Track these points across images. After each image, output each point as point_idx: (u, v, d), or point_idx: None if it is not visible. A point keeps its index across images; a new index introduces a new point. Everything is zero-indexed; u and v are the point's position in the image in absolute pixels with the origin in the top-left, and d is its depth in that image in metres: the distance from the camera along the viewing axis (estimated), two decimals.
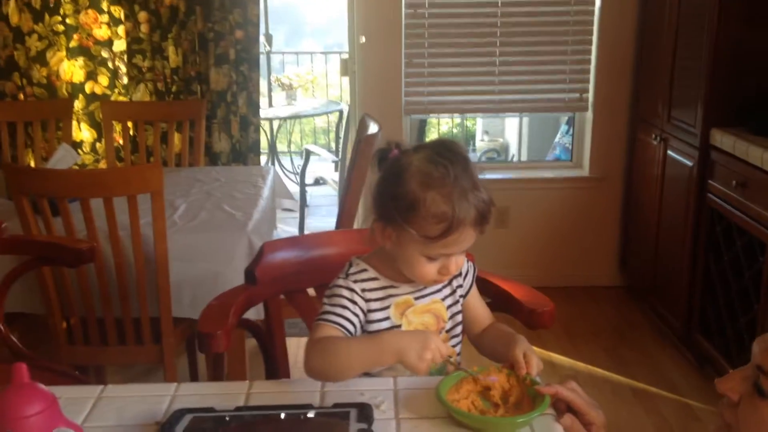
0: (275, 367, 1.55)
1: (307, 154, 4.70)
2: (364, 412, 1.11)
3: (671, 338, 3.24)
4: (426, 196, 1.18)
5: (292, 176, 5.82)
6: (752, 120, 2.70)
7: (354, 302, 1.27)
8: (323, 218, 5.08)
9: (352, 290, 1.27)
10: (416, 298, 1.32)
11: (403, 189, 1.19)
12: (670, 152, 3.17)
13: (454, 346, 1.36)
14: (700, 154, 2.87)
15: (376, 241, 1.27)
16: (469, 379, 1.18)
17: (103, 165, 3.57)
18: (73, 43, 3.53)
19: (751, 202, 2.53)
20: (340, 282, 1.29)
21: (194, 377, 2.66)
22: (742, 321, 2.63)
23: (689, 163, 2.96)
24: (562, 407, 1.14)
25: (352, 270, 1.31)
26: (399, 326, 1.29)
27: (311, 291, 1.60)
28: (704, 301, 2.91)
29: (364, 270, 1.30)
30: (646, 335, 3.33)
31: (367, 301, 1.28)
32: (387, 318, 1.29)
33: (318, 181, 5.05)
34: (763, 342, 0.93)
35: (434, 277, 1.26)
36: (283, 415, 1.11)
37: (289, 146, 6.70)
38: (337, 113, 5.75)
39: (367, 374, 1.30)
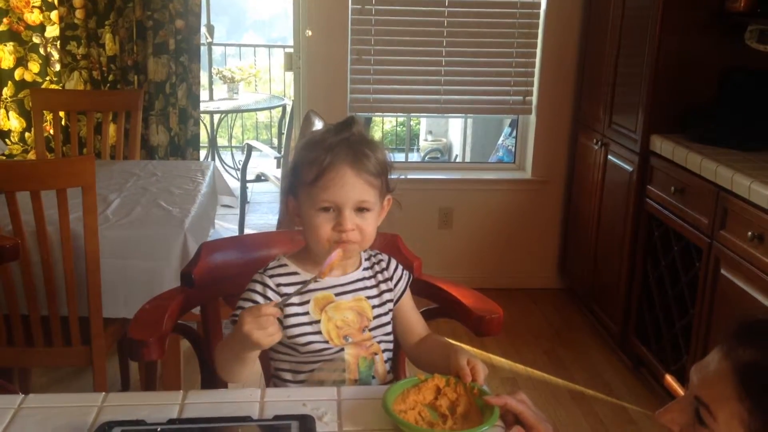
0: (212, 375, 1.47)
1: (249, 149, 4.60)
2: (306, 424, 1.07)
3: (608, 341, 3.28)
4: (305, 151, 1.28)
5: (232, 171, 5.70)
6: (691, 127, 2.76)
7: (266, 297, 1.27)
8: (264, 215, 5.00)
9: (265, 285, 1.29)
10: (337, 294, 1.31)
11: (293, 158, 1.30)
12: (610, 157, 3.21)
13: (383, 351, 1.34)
14: (639, 159, 2.91)
15: (293, 222, 1.31)
16: (415, 389, 1.15)
17: (32, 156, 3.41)
18: (2, 27, 3.36)
19: (688, 207, 2.58)
20: (256, 277, 1.31)
21: (125, 381, 2.55)
22: (677, 325, 2.68)
23: (629, 168, 3.00)
24: (511, 419, 1.11)
25: (271, 265, 1.33)
26: (318, 321, 1.28)
27: None
28: (641, 304, 2.96)
29: (284, 265, 1.32)
30: (585, 338, 3.37)
31: (282, 295, 1.27)
32: (306, 313, 1.29)
33: (259, 178, 4.94)
34: (700, 370, 0.91)
35: (330, 235, 1.25)
36: (219, 428, 1.05)
37: (229, 141, 6.57)
38: (280, 108, 5.66)
39: (310, 384, 1.25)
